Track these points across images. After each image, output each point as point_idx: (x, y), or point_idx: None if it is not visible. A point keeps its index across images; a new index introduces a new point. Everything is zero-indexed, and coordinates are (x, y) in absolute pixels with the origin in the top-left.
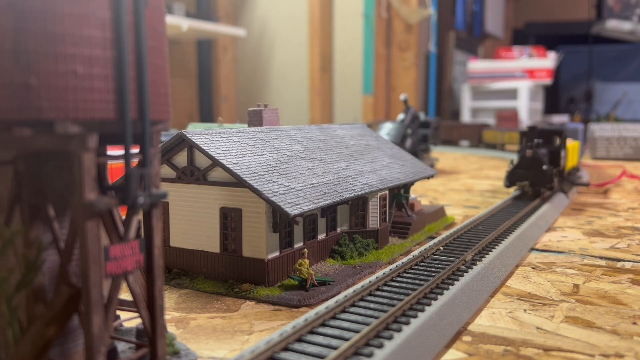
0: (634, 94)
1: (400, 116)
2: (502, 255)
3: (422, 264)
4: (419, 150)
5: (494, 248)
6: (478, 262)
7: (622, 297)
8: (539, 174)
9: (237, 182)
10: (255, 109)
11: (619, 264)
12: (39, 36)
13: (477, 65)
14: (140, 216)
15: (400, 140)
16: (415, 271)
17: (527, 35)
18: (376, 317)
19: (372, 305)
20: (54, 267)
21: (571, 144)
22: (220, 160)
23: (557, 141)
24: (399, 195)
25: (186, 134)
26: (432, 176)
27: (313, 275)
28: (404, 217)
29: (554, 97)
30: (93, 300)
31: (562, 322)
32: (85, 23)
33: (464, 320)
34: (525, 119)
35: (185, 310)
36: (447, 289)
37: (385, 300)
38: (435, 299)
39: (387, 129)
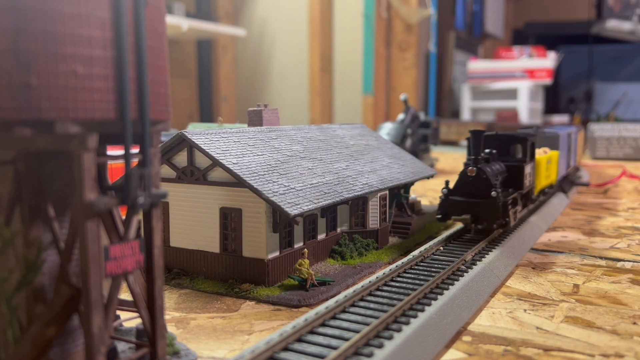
0: (634, 94)
1: (400, 116)
2: (502, 255)
3: (422, 264)
4: (419, 150)
5: (494, 248)
6: (478, 262)
7: (622, 297)
8: (486, 203)
9: (237, 182)
10: (255, 109)
11: (619, 264)
12: (39, 36)
13: (477, 65)
14: (140, 216)
15: (400, 140)
16: (415, 271)
17: (527, 35)
18: (376, 317)
19: (372, 305)
20: (54, 267)
21: (546, 155)
22: (220, 160)
23: (519, 152)
24: (399, 195)
25: (186, 134)
26: (432, 176)
27: (313, 275)
28: (404, 217)
29: (554, 97)
30: (93, 300)
31: (562, 322)
32: (85, 23)
33: (464, 320)
34: (525, 119)
35: (185, 310)
36: (447, 289)
37: (385, 301)
38: (435, 299)
39: (387, 129)
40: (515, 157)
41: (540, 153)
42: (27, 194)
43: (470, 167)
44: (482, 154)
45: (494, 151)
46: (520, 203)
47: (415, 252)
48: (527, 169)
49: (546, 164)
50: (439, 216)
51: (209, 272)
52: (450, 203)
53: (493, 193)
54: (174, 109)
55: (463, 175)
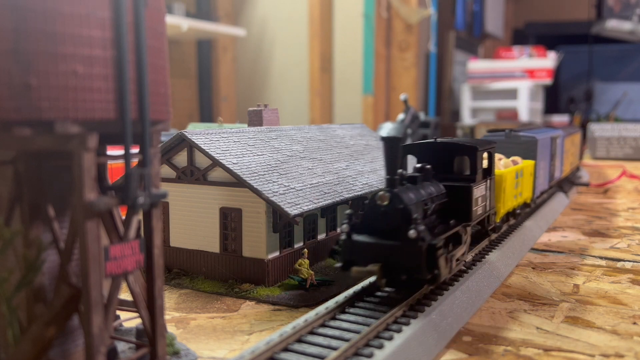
0: (634, 94)
1: (400, 116)
2: (502, 255)
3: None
4: None
5: (494, 248)
6: (478, 262)
7: (622, 297)
8: (402, 247)
9: (237, 182)
10: (255, 109)
11: (619, 264)
12: (39, 36)
13: (477, 65)
14: (140, 216)
15: None
16: None
17: (527, 35)
18: (376, 318)
19: (372, 306)
20: (54, 267)
21: (515, 166)
22: (220, 160)
23: (467, 167)
24: None
25: (186, 134)
26: None
27: (313, 275)
28: None
29: (554, 97)
30: (93, 301)
31: (562, 322)
32: (85, 23)
33: (464, 321)
34: (525, 119)
35: (185, 310)
36: (447, 289)
37: (385, 301)
38: (436, 300)
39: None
40: (462, 174)
41: (509, 164)
42: (27, 194)
43: (381, 193)
44: (407, 172)
45: (428, 166)
46: (466, 240)
47: None
48: (479, 190)
49: (514, 179)
50: (341, 263)
51: (209, 272)
52: (354, 246)
53: (411, 232)
54: (174, 109)
55: (372, 204)
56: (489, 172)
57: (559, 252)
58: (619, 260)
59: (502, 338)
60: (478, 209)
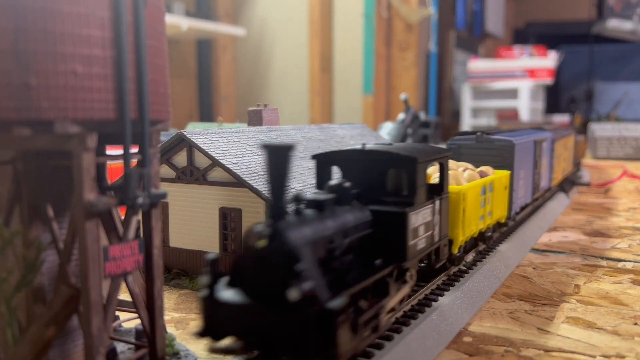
0: (635, 94)
1: (401, 116)
2: (503, 256)
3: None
4: None
5: (495, 248)
6: (478, 263)
7: (623, 297)
8: (279, 314)
9: (237, 182)
10: (255, 108)
11: (620, 264)
12: (39, 36)
13: (477, 64)
14: (139, 216)
15: (400, 140)
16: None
17: (527, 34)
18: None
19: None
20: (53, 267)
21: (479, 180)
22: (220, 160)
23: (404, 185)
24: None
25: (186, 133)
26: None
27: None
28: None
29: (555, 97)
30: (92, 301)
31: (563, 323)
32: (84, 23)
33: (464, 321)
34: (526, 119)
35: (185, 310)
36: (448, 290)
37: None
38: (436, 300)
39: (387, 129)
40: (398, 194)
41: (475, 177)
42: (26, 194)
43: (256, 229)
44: (310, 193)
45: (347, 184)
46: (401, 289)
47: None
48: (420, 216)
49: (479, 195)
50: (200, 330)
51: None
52: (215, 308)
53: (292, 293)
54: (173, 109)
55: (247, 245)
56: (439, 189)
57: (559, 252)
58: (619, 260)
59: (502, 339)
60: (419, 242)
